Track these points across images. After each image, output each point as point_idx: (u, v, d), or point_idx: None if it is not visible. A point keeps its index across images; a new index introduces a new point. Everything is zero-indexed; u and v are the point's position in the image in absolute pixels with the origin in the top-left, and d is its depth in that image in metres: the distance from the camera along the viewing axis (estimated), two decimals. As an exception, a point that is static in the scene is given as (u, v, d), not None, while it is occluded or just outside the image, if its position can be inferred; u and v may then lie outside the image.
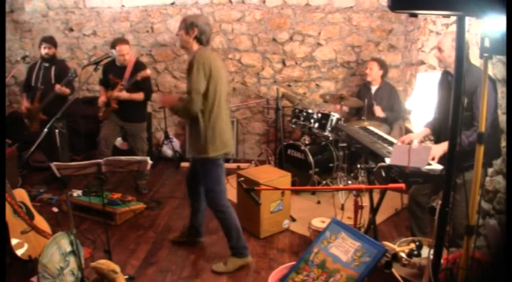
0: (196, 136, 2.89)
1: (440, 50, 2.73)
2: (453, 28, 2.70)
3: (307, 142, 4.58)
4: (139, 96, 4.29)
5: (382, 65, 4.71)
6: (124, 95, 4.21)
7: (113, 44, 4.23)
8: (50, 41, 4.48)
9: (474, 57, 2.64)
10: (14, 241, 2.78)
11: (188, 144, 3.08)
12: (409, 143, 2.85)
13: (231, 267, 3.03)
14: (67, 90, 4.35)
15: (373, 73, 4.69)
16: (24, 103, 4.53)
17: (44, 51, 4.44)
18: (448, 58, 2.69)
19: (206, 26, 2.89)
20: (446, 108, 2.73)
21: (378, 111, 4.54)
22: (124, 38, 4.42)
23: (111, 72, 4.30)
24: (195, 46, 2.90)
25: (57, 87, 4.30)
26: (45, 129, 3.29)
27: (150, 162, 2.79)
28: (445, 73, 2.83)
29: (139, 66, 4.31)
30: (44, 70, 4.48)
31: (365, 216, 2.91)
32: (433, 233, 2.35)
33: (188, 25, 2.86)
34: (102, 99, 4.30)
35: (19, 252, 2.78)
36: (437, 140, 2.94)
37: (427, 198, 3.01)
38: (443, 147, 2.54)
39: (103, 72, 4.44)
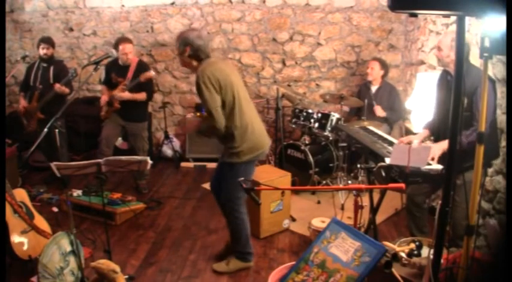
0: (226, 142, 2.85)
1: (439, 48, 2.73)
2: (453, 28, 2.70)
3: (307, 142, 4.58)
4: (141, 96, 4.29)
5: (383, 65, 4.71)
6: (126, 95, 4.20)
7: (116, 43, 4.25)
8: (48, 41, 4.48)
9: (474, 57, 2.65)
10: (14, 240, 2.78)
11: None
12: (409, 144, 2.85)
13: (232, 268, 3.02)
14: (66, 90, 4.35)
15: (374, 73, 4.68)
16: (22, 102, 4.54)
17: (42, 51, 4.44)
18: (446, 57, 2.69)
19: (198, 40, 2.75)
20: (446, 108, 2.74)
21: (379, 111, 4.54)
22: (127, 37, 4.41)
23: (114, 71, 4.31)
24: (195, 63, 2.81)
25: (57, 86, 4.30)
26: (45, 129, 3.29)
27: (150, 162, 2.79)
28: (444, 72, 2.83)
29: (142, 66, 4.31)
30: (43, 70, 4.49)
31: (365, 216, 2.90)
32: (432, 232, 2.36)
33: (180, 45, 2.77)
34: (104, 98, 4.30)
35: (19, 251, 2.78)
36: (437, 140, 2.94)
37: (425, 198, 3.01)
38: (443, 146, 2.54)
39: (106, 71, 4.45)
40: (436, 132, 2.94)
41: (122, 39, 4.31)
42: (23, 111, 4.49)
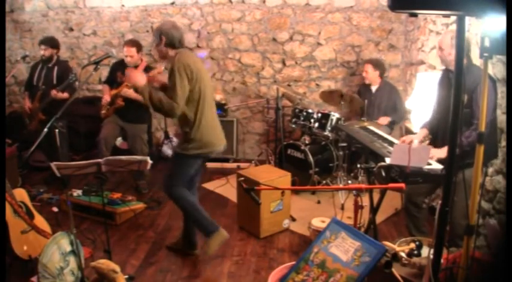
0: (183, 133, 2.98)
1: (440, 49, 2.74)
2: (453, 28, 2.70)
3: (307, 142, 4.58)
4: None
5: (376, 65, 4.68)
6: (132, 94, 4.17)
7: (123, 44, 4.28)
8: (47, 42, 4.47)
9: (474, 57, 2.65)
10: (14, 240, 2.78)
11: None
12: (411, 142, 2.86)
13: (212, 247, 3.04)
14: (64, 95, 4.30)
15: (369, 75, 4.68)
16: (27, 103, 4.53)
17: (41, 52, 4.45)
18: (448, 56, 2.70)
19: (172, 29, 2.90)
20: (446, 106, 2.74)
21: (383, 120, 4.52)
22: (133, 41, 4.35)
23: (120, 70, 4.30)
24: (171, 52, 2.92)
25: (53, 92, 4.27)
26: (45, 129, 3.29)
27: (150, 162, 2.79)
28: (446, 71, 2.84)
29: (148, 71, 4.31)
30: (46, 70, 4.48)
31: (365, 216, 2.91)
32: (431, 232, 2.35)
33: (156, 36, 2.91)
34: (106, 98, 4.30)
35: (19, 251, 2.78)
36: (435, 139, 2.94)
37: (423, 198, 3.01)
38: (445, 151, 2.55)
39: (111, 70, 4.45)
40: (435, 131, 2.94)
41: (126, 42, 4.35)
42: (28, 112, 4.49)
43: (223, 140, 3.14)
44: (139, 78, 2.83)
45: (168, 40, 2.88)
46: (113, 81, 4.40)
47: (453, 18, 2.95)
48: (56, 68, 4.48)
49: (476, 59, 2.65)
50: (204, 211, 3.10)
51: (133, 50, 4.23)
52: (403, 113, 4.66)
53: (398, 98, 4.71)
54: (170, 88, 2.80)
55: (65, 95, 4.34)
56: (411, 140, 2.90)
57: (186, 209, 3.09)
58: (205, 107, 2.94)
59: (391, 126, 4.67)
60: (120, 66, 4.34)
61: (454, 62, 1.76)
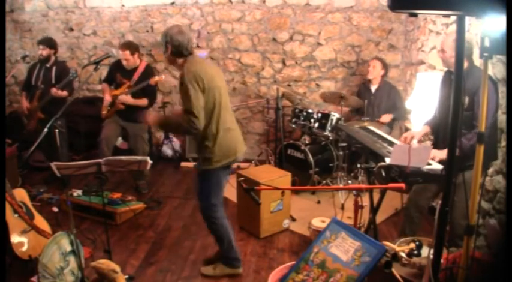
0: (202, 150, 2.80)
1: (442, 51, 2.73)
2: (453, 28, 2.70)
3: (307, 142, 4.58)
4: (143, 102, 4.29)
5: (384, 65, 4.73)
6: (129, 100, 4.21)
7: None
8: (45, 42, 4.48)
9: (475, 57, 2.65)
10: (14, 240, 2.78)
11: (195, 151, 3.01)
12: (412, 138, 2.86)
13: (218, 273, 2.99)
14: (64, 93, 4.33)
15: (375, 72, 4.69)
16: (24, 102, 4.54)
17: (39, 52, 4.46)
18: (450, 58, 2.68)
19: (179, 35, 2.68)
20: (447, 106, 2.73)
21: (385, 118, 4.53)
22: (126, 44, 4.33)
23: (119, 71, 4.31)
24: (179, 60, 2.75)
25: (53, 90, 4.28)
26: (45, 129, 3.29)
27: (150, 162, 2.79)
28: (448, 72, 2.84)
29: (149, 71, 4.33)
30: (45, 70, 4.49)
31: (365, 216, 2.91)
32: (430, 232, 2.34)
33: (163, 44, 2.74)
34: (107, 98, 4.30)
35: (19, 251, 2.78)
36: (437, 139, 2.94)
37: (429, 201, 3.00)
38: (446, 153, 2.55)
39: (110, 69, 4.46)
40: (436, 131, 2.94)
41: (120, 45, 4.32)
42: (26, 111, 4.49)
43: (243, 146, 2.98)
44: (153, 119, 2.89)
45: (175, 48, 2.69)
46: (112, 80, 4.41)
47: (453, 18, 2.95)
48: (54, 68, 4.48)
49: (476, 59, 2.65)
50: (234, 240, 3.01)
51: (127, 53, 4.21)
52: (403, 110, 4.66)
53: (398, 96, 4.72)
54: (186, 100, 2.63)
55: (64, 93, 4.35)
56: (412, 136, 2.89)
57: (220, 234, 2.95)
58: (221, 114, 2.77)
59: (391, 126, 4.67)
60: (118, 67, 4.34)
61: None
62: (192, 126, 2.61)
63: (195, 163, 5.30)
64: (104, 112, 4.36)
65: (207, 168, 2.79)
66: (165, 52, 2.74)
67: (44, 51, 4.45)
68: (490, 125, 2.51)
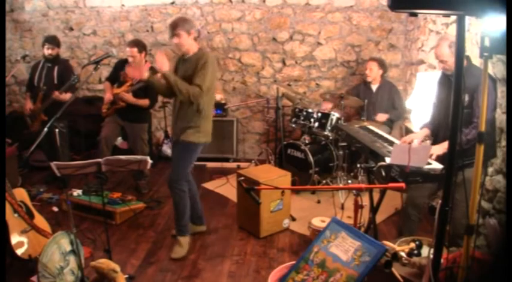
0: (192, 122, 3.12)
1: (442, 61, 2.71)
2: (453, 28, 2.69)
3: (307, 141, 4.58)
4: (144, 102, 4.29)
5: (382, 64, 4.71)
6: (130, 98, 4.20)
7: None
8: (53, 41, 4.46)
9: (474, 57, 2.64)
10: (14, 240, 2.78)
11: (178, 127, 3.19)
12: (412, 141, 2.86)
13: (186, 246, 3.26)
14: (66, 97, 4.27)
15: (373, 73, 4.69)
16: (28, 104, 4.51)
17: (48, 51, 4.42)
18: (452, 65, 2.65)
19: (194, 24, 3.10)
20: (447, 106, 2.73)
21: (380, 117, 4.53)
22: (135, 41, 4.31)
23: (123, 69, 4.30)
24: (195, 47, 3.12)
25: (55, 94, 4.25)
26: (45, 129, 3.28)
27: (150, 161, 2.78)
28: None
29: (153, 72, 4.31)
30: (47, 70, 4.47)
31: (365, 215, 2.91)
32: (430, 231, 2.34)
33: (188, 27, 3.02)
34: (108, 96, 4.30)
35: (19, 251, 2.79)
36: (436, 139, 2.94)
37: (425, 200, 3.01)
38: (444, 146, 2.55)
39: (114, 67, 4.45)
40: (436, 131, 2.94)
41: (128, 43, 4.33)
42: (29, 113, 4.48)
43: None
44: (166, 63, 2.96)
45: (196, 34, 3.06)
46: (115, 79, 4.40)
47: (453, 17, 2.95)
48: (56, 68, 4.47)
49: (476, 59, 2.64)
50: (188, 213, 3.32)
51: (135, 50, 4.21)
52: (401, 111, 4.66)
53: (398, 96, 4.72)
54: (199, 77, 2.98)
55: (67, 96, 4.31)
56: (412, 139, 2.90)
57: (180, 204, 3.24)
58: (212, 100, 3.22)
59: (390, 125, 4.67)
60: (123, 66, 4.33)
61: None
62: (195, 96, 2.98)
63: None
64: (105, 110, 4.36)
65: (192, 141, 3.14)
66: (188, 35, 3.02)
67: (53, 51, 4.44)
68: (489, 122, 2.51)
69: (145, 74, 3.07)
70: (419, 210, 2.99)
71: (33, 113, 4.46)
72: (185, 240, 3.29)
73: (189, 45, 3.08)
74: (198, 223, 3.57)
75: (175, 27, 2.99)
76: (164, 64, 2.94)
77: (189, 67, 3.08)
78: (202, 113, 3.12)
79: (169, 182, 3.22)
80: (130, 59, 4.25)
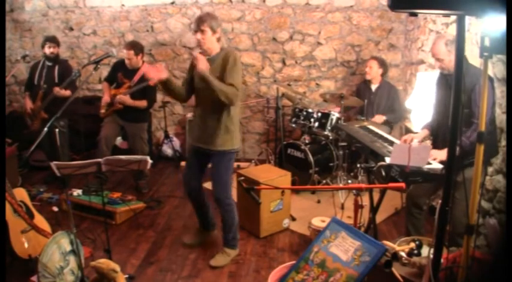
0: (223, 128, 2.93)
1: (439, 60, 2.70)
2: (453, 27, 2.69)
3: (307, 141, 4.58)
4: (142, 103, 4.30)
5: (382, 64, 4.71)
6: (128, 100, 4.21)
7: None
8: (54, 40, 4.48)
9: (474, 57, 2.64)
10: (14, 240, 2.78)
11: (207, 135, 2.97)
12: (411, 140, 2.86)
13: (229, 259, 3.15)
14: (67, 93, 4.31)
15: (373, 72, 4.69)
16: (28, 103, 4.52)
17: (49, 50, 4.43)
18: (449, 63, 2.66)
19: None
20: (445, 107, 2.73)
21: (379, 119, 4.54)
22: (131, 43, 4.34)
23: (122, 71, 4.31)
24: (218, 47, 2.93)
25: (56, 90, 4.27)
26: (45, 129, 3.28)
27: (150, 161, 2.79)
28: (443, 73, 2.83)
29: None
30: (47, 69, 4.48)
31: (365, 215, 2.91)
32: (430, 231, 2.35)
33: (214, 25, 2.84)
34: (106, 98, 4.30)
35: (19, 251, 2.78)
36: (436, 139, 2.94)
37: (426, 199, 3.00)
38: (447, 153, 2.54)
39: (112, 68, 4.46)
40: (435, 132, 2.94)
41: (126, 44, 4.33)
42: (29, 112, 4.48)
43: None
44: (206, 64, 2.78)
45: (220, 34, 2.91)
46: (113, 80, 4.41)
47: (453, 17, 2.95)
48: (57, 67, 4.48)
49: (475, 59, 2.64)
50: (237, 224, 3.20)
51: (131, 52, 4.22)
52: (400, 113, 4.66)
53: (397, 98, 4.72)
54: (231, 76, 2.81)
55: (68, 92, 4.33)
56: (412, 138, 2.89)
57: (229, 217, 3.11)
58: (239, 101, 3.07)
59: (390, 125, 4.67)
60: (122, 66, 4.34)
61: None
62: (233, 96, 2.79)
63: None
64: (102, 111, 4.35)
65: (228, 149, 2.96)
66: (213, 33, 2.85)
67: (54, 50, 4.45)
68: (489, 121, 2.50)
69: (165, 74, 2.88)
70: (419, 207, 2.99)
71: (33, 111, 4.46)
72: (233, 252, 3.19)
73: (211, 43, 2.89)
74: (212, 229, 3.46)
75: (202, 22, 2.82)
76: (205, 64, 2.76)
77: (215, 68, 2.87)
78: (235, 116, 2.97)
79: (218, 200, 3.05)
80: (127, 61, 4.26)
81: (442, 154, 2.58)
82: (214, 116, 2.93)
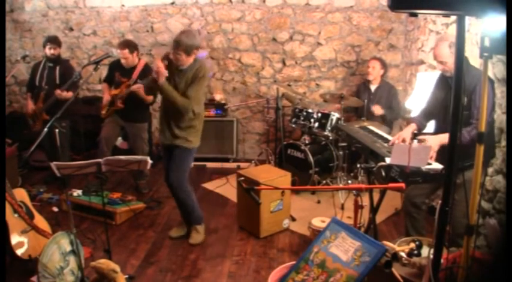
0: (188, 129, 3.26)
1: (442, 63, 2.69)
2: (453, 28, 2.69)
3: (307, 142, 4.58)
4: (149, 98, 4.27)
5: (384, 64, 4.73)
6: (142, 91, 4.08)
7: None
8: (55, 41, 4.46)
9: (474, 57, 2.64)
10: (14, 240, 2.78)
11: (171, 133, 3.30)
12: (403, 141, 2.83)
13: (202, 233, 3.48)
14: (68, 95, 4.27)
15: (375, 72, 4.69)
16: (30, 104, 4.50)
17: (50, 51, 4.41)
18: (452, 66, 2.65)
19: (197, 39, 3.13)
20: (444, 108, 2.73)
21: (377, 109, 4.54)
22: (124, 42, 4.32)
23: (118, 70, 4.30)
24: (192, 59, 3.18)
25: (57, 92, 4.25)
26: (45, 129, 3.28)
27: (150, 161, 2.79)
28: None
29: (148, 70, 4.30)
30: (49, 70, 4.47)
31: (365, 215, 2.90)
32: (430, 231, 2.35)
33: (189, 49, 3.07)
34: (106, 98, 4.30)
35: (19, 251, 2.79)
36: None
37: (424, 199, 3.00)
38: (441, 139, 2.53)
39: (109, 68, 4.44)
40: (423, 125, 2.94)
41: (119, 44, 4.31)
42: (31, 113, 4.48)
43: None
44: (164, 73, 3.04)
45: (196, 52, 3.15)
46: (111, 80, 4.40)
47: (453, 18, 2.95)
48: (58, 68, 4.47)
49: (475, 59, 2.64)
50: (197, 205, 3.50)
51: (126, 51, 4.20)
52: (398, 112, 4.68)
53: (396, 97, 4.73)
54: (193, 89, 3.14)
55: (69, 94, 4.30)
56: (403, 138, 2.85)
57: (188, 200, 3.39)
58: (203, 105, 3.36)
59: (390, 125, 4.67)
60: (117, 66, 4.33)
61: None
62: (186, 109, 3.14)
63: (195, 163, 5.33)
64: (103, 112, 4.35)
65: (190, 147, 3.30)
66: (188, 56, 3.11)
67: (55, 50, 4.44)
68: (488, 123, 2.50)
69: (166, 73, 3.10)
70: (417, 207, 2.99)
71: (35, 113, 4.46)
72: (201, 228, 3.49)
73: (186, 61, 3.15)
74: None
75: (178, 46, 3.06)
76: (162, 74, 3.03)
77: (187, 77, 3.16)
78: (199, 117, 3.31)
79: (173, 188, 3.34)
80: (123, 61, 4.25)
81: (435, 140, 2.54)
82: (178, 114, 3.24)
